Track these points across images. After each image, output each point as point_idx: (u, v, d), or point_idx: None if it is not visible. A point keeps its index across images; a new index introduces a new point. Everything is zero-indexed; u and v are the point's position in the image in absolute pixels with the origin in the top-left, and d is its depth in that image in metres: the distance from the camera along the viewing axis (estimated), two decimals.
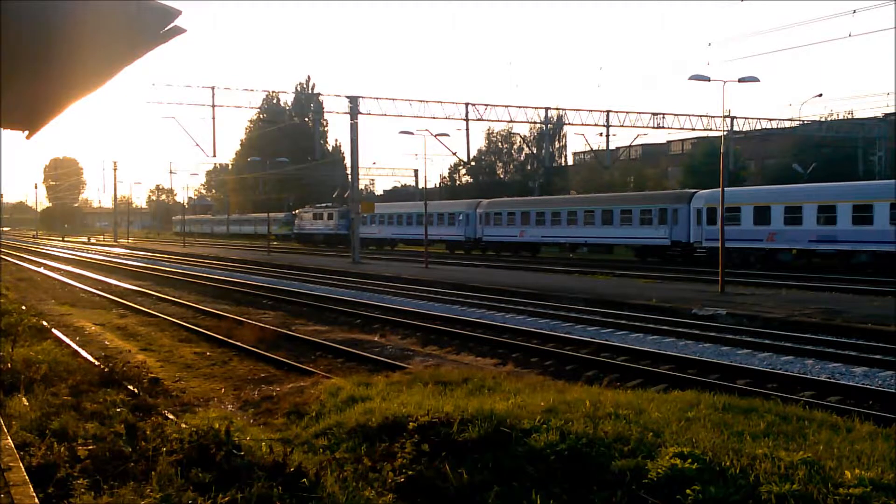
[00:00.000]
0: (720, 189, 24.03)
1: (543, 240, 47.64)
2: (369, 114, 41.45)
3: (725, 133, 29.63)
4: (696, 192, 39.05)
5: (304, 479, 6.18)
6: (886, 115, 54.83)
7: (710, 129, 48.54)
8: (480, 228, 51.32)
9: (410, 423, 7.49)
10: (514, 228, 48.46)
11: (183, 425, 7.60)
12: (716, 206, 32.87)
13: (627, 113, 46.40)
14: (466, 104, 42.91)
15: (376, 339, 16.70)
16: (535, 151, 77.78)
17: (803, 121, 54.91)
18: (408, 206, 60.27)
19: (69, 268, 39.78)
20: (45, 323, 16.96)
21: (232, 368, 13.35)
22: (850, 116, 58.45)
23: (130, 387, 10.51)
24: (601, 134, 47.29)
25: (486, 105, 43.72)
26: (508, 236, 49.08)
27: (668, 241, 39.44)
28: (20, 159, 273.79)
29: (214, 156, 71.75)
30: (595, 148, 50.59)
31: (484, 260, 43.30)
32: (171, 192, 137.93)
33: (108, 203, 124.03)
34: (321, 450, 7.61)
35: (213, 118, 41.06)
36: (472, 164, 79.68)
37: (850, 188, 33.68)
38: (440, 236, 53.71)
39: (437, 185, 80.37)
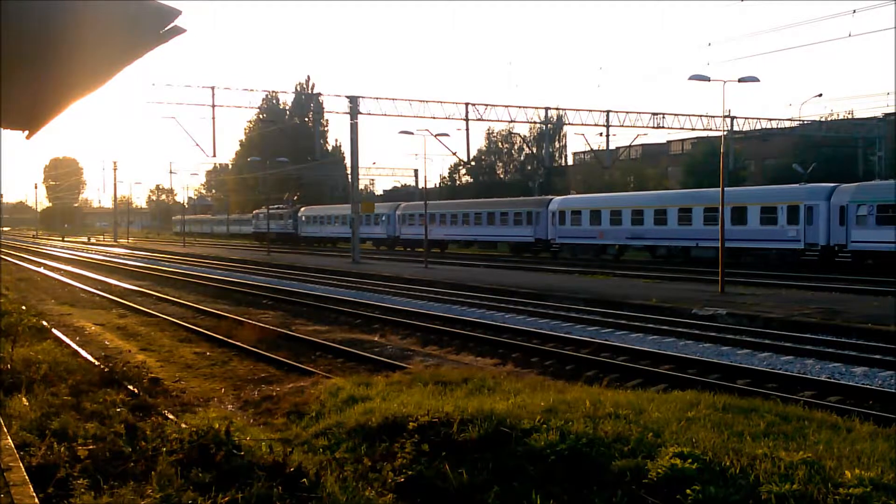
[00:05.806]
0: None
1: (446, 237, 54.40)
2: (369, 114, 41.47)
3: (725, 133, 29.61)
4: (552, 199, 46.39)
5: (304, 479, 6.18)
6: (886, 115, 54.68)
7: (710, 129, 48.52)
8: (399, 228, 58.54)
9: (410, 423, 7.48)
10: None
11: (183, 425, 7.59)
12: (565, 210, 43.73)
13: (627, 113, 46.40)
14: (466, 104, 42.89)
15: (376, 339, 16.70)
16: (535, 151, 77.63)
17: (803, 121, 54.83)
18: (339, 208, 64.82)
19: (69, 268, 39.77)
20: (45, 323, 16.94)
21: (232, 368, 13.36)
22: (850, 116, 58.34)
23: (130, 387, 10.49)
24: (601, 134, 47.30)
25: (486, 105, 43.74)
26: (419, 234, 54.71)
27: (533, 239, 46.60)
28: (20, 159, 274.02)
29: (214, 156, 72.20)
30: (595, 148, 50.54)
31: (484, 260, 43.35)
32: (171, 192, 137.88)
33: (108, 203, 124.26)
34: (321, 450, 7.61)
35: (213, 118, 41.11)
36: (472, 164, 79.56)
37: (653, 197, 41.28)
38: (367, 235, 59.67)
39: (437, 185, 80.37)
